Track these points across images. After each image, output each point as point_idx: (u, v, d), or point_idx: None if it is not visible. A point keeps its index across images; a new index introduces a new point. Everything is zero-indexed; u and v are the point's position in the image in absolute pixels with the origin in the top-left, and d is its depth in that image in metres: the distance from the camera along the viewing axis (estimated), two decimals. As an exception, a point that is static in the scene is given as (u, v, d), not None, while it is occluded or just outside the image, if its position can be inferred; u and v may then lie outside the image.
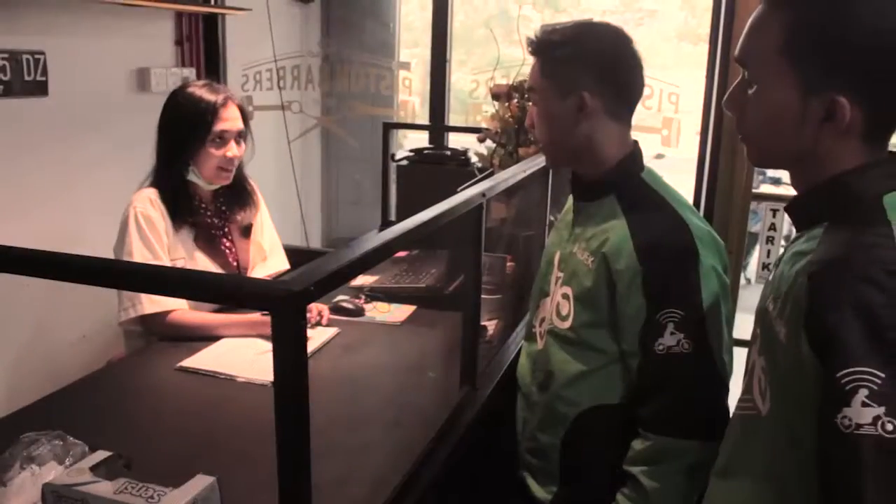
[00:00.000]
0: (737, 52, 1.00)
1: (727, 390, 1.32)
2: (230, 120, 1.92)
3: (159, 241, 1.87)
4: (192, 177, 1.94)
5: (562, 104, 1.40)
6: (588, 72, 1.38)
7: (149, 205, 1.89)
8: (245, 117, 1.97)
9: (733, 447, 1.05)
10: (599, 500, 1.37)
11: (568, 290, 1.42)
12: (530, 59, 1.46)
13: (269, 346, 1.71)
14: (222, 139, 1.91)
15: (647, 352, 1.31)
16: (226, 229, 2.04)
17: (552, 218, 2.23)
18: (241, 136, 1.95)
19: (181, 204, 1.92)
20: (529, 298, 1.65)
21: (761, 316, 0.99)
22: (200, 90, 1.93)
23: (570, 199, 1.55)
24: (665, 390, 1.29)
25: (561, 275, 1.47)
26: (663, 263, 1.31)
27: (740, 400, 1.04)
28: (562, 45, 1.39)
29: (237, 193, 2.05)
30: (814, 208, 0.97)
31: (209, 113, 1.89)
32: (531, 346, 1.55)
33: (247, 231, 2.09)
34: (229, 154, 1.92)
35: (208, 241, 1.98)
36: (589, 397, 1.39)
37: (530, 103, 1.50)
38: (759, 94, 0.96)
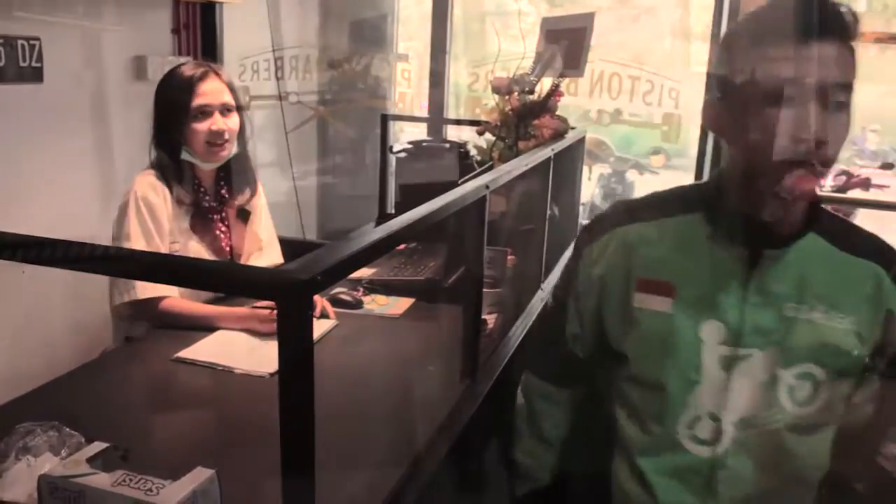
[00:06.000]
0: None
1: None
2: (210, 94, 1.88)
3: (158, 227, 1.85)
4: (185, 156, 1.90)
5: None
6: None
7: (150, 189, 1.86)
8: (234, 90, 1.93)
9: None
10: None
11: (810, 368, 1.16)
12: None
13: (264, 338, 1.72)
14: (204, 113, 1.88)
15: None
16: (223, 213, 2.01)
17: (551, 211, 2.22)
18: (227, 109, 1.91)
19: (177, 183, 1.90)
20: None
21: None
22: (184, 67, 1.91)
23: (699, 255, 1.19)
24: None
25: (759, 353, 1.17)
26: None
27: None
28: (855, 23, 1.04)
29: (237, 172, 2.01)
30: None
31: (186, 89, 1.86)
32: (682, 458, 1.20)
33: (243, 215, 2.06)
34: (214, 127, 1.88)
35: (204, 224, 1.96)
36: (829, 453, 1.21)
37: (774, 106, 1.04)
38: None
